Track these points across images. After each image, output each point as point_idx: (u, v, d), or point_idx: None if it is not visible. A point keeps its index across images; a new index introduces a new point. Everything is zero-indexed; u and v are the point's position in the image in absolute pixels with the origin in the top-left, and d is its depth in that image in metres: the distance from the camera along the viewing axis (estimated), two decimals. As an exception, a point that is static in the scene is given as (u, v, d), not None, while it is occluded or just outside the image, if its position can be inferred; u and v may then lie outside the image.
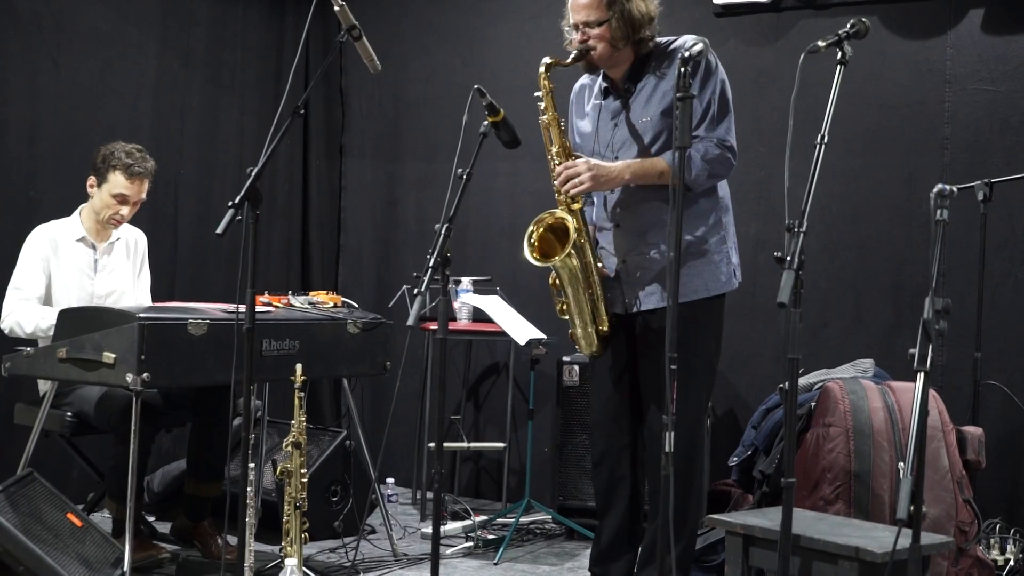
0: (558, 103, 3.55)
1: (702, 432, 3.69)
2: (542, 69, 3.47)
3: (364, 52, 3.40)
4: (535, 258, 3.44)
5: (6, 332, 4.08)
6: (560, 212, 3.46)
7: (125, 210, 4.17)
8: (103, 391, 3.92)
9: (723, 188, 3.60)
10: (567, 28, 3.55)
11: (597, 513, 3.77)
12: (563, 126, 3.53)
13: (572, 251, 3.42)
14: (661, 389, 3.50)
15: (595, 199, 3.65)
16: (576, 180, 3.39)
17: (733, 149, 3.46)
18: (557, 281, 3.52)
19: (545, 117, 3.49)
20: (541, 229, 3.48)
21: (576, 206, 3.47)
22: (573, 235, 3.40)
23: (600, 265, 3.54)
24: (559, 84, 3.56)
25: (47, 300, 4.11)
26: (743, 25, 5.11)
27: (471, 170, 3.25)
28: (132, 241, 4.38)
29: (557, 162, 3.48)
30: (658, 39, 3.53)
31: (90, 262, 4.21)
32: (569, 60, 3.47)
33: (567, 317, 3.57)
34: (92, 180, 4.17)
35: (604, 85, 3.63)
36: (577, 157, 3.48)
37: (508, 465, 5.33)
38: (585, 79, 3.71)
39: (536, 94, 3.49)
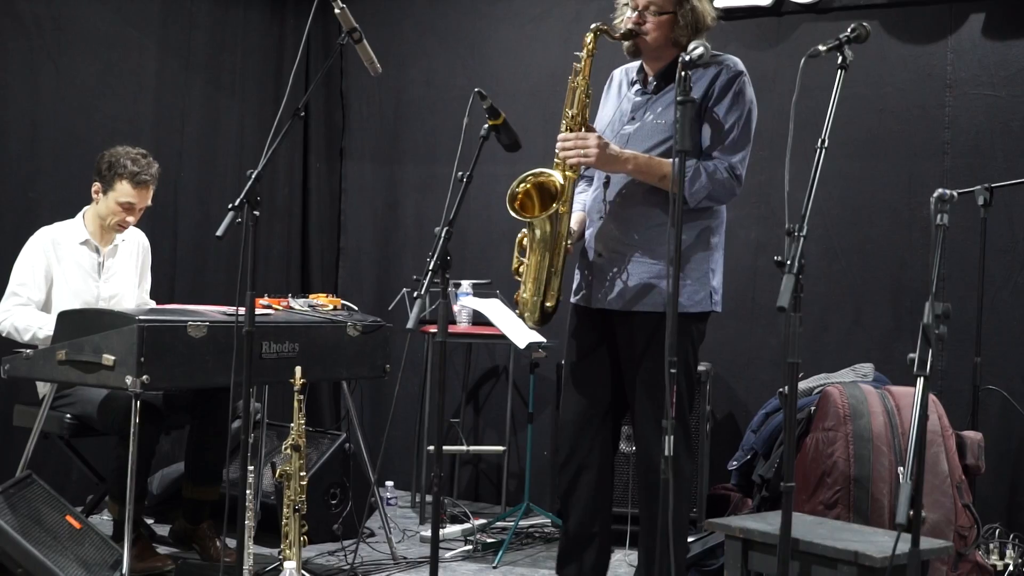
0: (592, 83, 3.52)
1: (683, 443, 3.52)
2: (590, 33, 3.42)
3: (364, 55, 3.40)
4: (514, 210, 3.43)
5: (3, 335, 4.07)
6: (554, 174, 3.43)
7: (131, 217, 4.18)
8: (106, 392, 3.92)
9: (723, 211, 3.57)
10: (623, 4, 3.52)
11: (561, 515, 3.71)
12: (588, 96, 3.46)
13: (551, 215, 3.41)
14: (648, 398, 3.46)
15: (589, 187, 3.62)
16: (583, 151, 3.34)
17: (741, 180, 3.43)
18: (525, 240, 3.51)
19: (578, 79, 3.43)
20: (528, 185, 3.46)
21: (571, 175, 3.44)
22: (559, 199, 3.37)
23: (569, 243, 3.51)
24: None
25: (47, 303, 4.09)
26: (744, 29, 5.11)
27: (471, 173, 3.24)
28: (135, 243, 4.38)
29: (571, 126, 3.44)
30: None
31: (95, 265, 4.20)
32: (618, 35, 3.44)
33: (520, 278, 3.54)
34: (97, 187, 4.15)
35: (635, 77, 3.60)
36: (591, 130, 3.44)
37: (507, 468, 5.33)
38: (620, 71, 3.68)
39: (576, 53, 3.45)
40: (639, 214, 3.48)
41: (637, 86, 3.59)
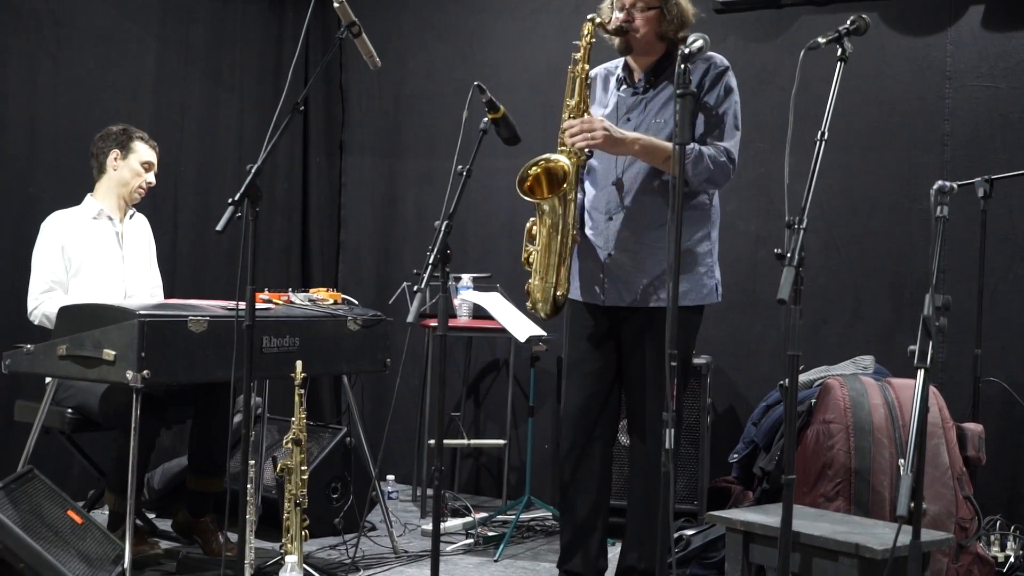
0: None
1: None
2: (587, 24, 3.47)
3: (364, 48, 3.40)
4: (525, 193, 3.47)
5: (36, 324, 4.10)
6: (562, 158, 3.48)
7: (151, 176, 4.32)
8: (107, 385, 3.92)
9: (716, 201, 3.66)
10: (606, 5, 3.57)
11: (562, 506, 3.74)
12: (588, 85, 3.54)
13: (561, 196, 3.45)
14: (647, 391, 3.54)
15: (594, 187, 3.64)
16: (589, 134, 3.39)
17: (735, 162, 3.54)
18: (534, 228, 3.55)
19: (577, 67, 3.50)
20: (539, 169, 3.50)
21: (576, 160, 3.49)
22: (571, 177, 3.43)
23: (575, 232, 3.55)
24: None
25: (72, 284, 4.13)
26: (743, 21, 5.11)
27: (471, 167, 3.25)
28: (141, 221, 4.45)
29: (573, 114, 3.50)
30: None
31: (114, 235, 4.26)
32: (611, 28, 3.48)
33: (529, 267, 3.58)
34: (116, 153, 4.23)
35: (622, 75, 3.64)
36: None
37: (508, 462, 5.33)
38: (601, 69, 3.72)
39: (575, 42, 3.50)
40: (651, 213, 3.54)
41: (625, 85, 3.64)
